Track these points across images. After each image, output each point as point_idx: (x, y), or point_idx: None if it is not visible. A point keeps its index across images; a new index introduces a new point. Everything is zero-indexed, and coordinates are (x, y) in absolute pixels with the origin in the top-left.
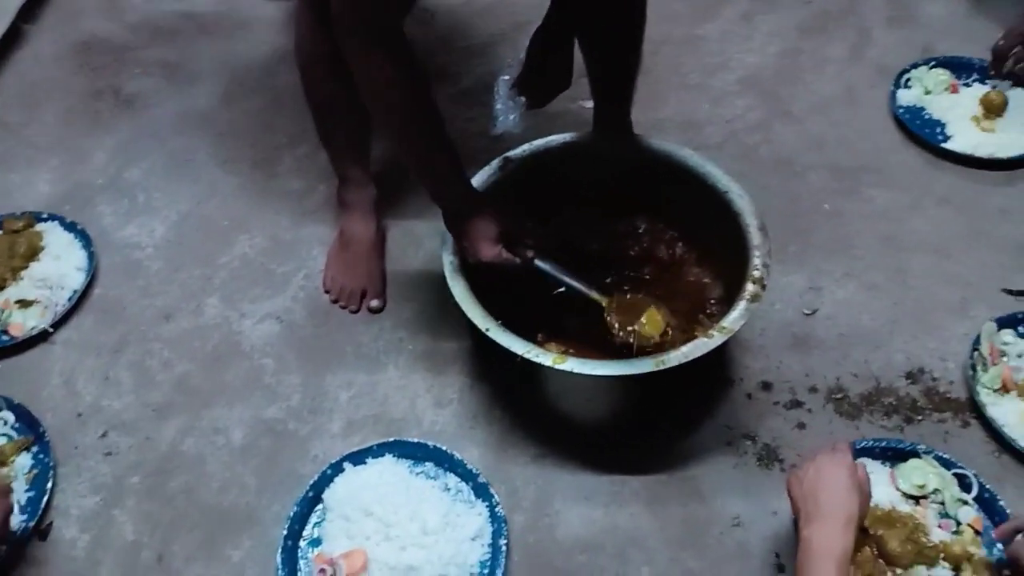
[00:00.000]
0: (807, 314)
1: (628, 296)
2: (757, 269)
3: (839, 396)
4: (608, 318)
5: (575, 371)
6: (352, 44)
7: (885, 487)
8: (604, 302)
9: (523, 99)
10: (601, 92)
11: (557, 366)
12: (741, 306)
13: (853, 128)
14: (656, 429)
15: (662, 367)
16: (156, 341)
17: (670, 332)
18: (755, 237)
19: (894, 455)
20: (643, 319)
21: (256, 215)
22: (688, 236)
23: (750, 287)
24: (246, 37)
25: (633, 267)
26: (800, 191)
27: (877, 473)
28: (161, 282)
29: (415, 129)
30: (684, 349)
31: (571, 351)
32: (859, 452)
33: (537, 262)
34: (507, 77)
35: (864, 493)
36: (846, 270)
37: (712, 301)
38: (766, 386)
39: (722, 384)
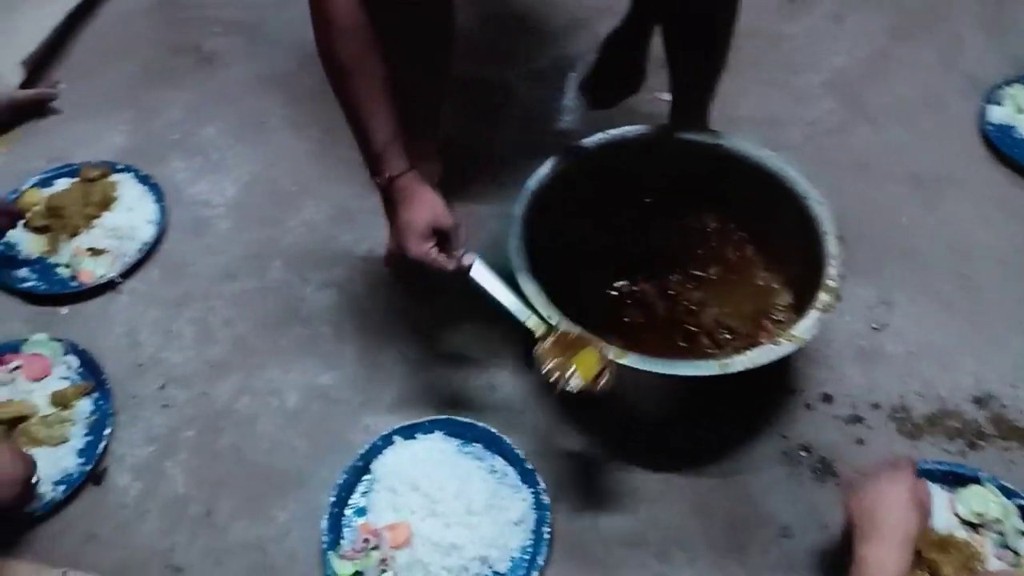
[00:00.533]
0: (875, 328)
1: (569, 333)
2: (832, 279)
3: (901, 415)
4: (536, 353)
5: (636, 367)
6: None
7: (943, 512)
8: (538, 331)
9: (589, 99)
10: (682, 86)
11: (618, 360)
12: (813, 315)
13: (938, 139)
14: (709, 430)
15: (726, 371)
16: (219, 299)
17: (603, 380)
18: (832, 246)
19: (955, 480)
20: (575, 358)
21: (324, 182)
22: (758, 238)
23: (823, 297)
24: None
25: (699, 266)
26: (877, 199)
27: (936, 496)
28: (228, 241)
29: (353, 83)
30: (751, 355)
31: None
32: (919, 474)
33: (473, 273)
34: (576, 74)
35: (924, 512)
36: (919, 285)
37: (779, 307)
38: (827, 398)
39: (782, 392)
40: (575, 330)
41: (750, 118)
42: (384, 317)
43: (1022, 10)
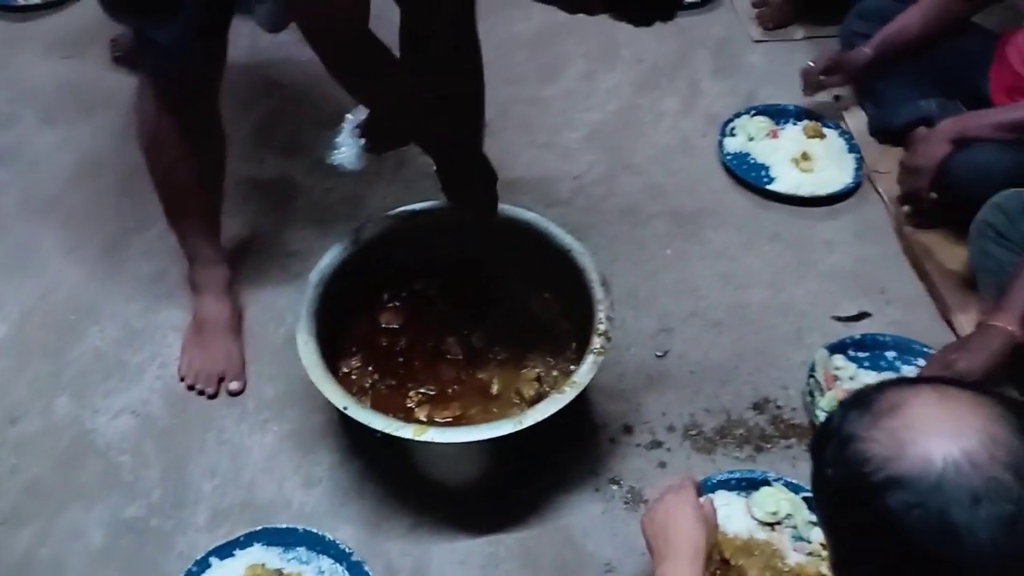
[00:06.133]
0: (659, 356)
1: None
2: (602, 323)
3: (695, 432)
4: None
5: (436, 440)
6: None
7: (742, 517)
8: None
9: (363, 141)
10: (444, 150)
11: (418, 438)
12: (589, 360)
13: (689, 176)
14: (526, 483)
15: (520, 428)
16: (1, 447)
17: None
18: (598, 292)
19: (748, 485)
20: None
21: (106, 304)
22: (554, 292)
23: (596, 341)
24: (90, 116)
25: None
26: (645, 237)
27: (734, 504)
28: (5, 383)
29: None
30: (539, 407)
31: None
32: (716, 485)
33: None
34: (352, 116)
35: (710, 524)
36: (692, 310)
37: (571, 352)
38: (627, 429)
39: (586, 431)
40: None
41: (525, 179)
42: (186, 433)
43: (745, 54)
